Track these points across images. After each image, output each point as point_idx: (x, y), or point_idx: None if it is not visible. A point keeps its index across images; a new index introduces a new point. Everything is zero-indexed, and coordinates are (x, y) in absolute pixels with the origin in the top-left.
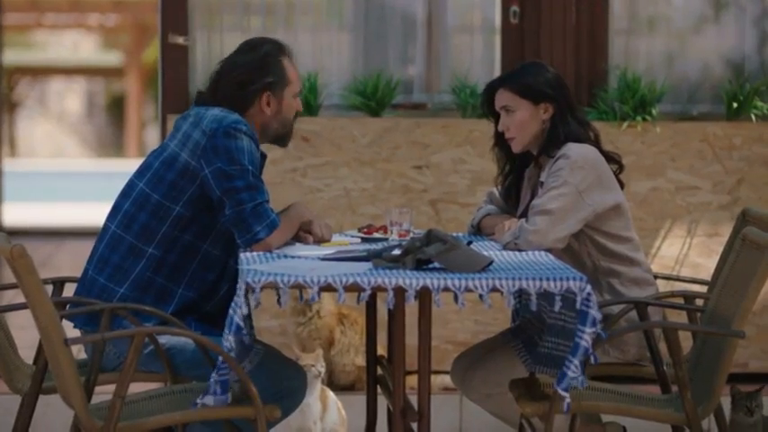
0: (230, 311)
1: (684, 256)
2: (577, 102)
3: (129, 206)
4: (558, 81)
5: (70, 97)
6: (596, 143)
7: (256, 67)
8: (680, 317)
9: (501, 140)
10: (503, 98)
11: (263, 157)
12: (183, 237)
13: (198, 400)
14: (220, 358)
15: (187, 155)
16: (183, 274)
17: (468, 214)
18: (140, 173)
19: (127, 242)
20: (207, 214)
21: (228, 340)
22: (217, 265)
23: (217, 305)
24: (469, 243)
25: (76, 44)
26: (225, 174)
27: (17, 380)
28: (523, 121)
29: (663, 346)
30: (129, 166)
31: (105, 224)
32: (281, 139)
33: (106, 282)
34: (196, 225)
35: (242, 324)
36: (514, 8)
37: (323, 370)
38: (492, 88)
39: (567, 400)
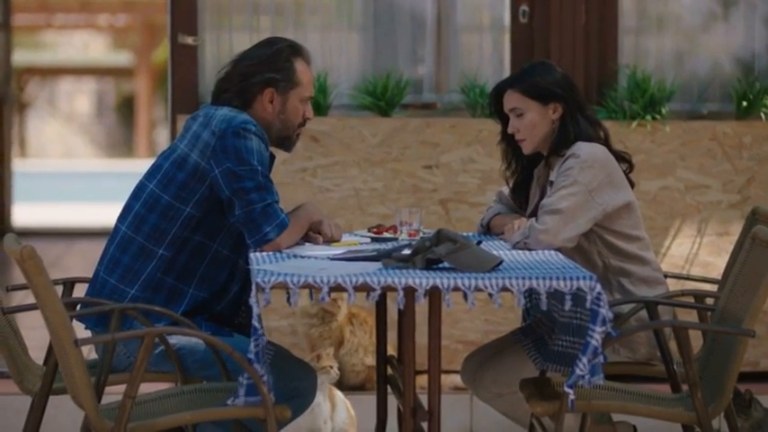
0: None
1: (694, 255)
2: (587, 101)
3: (140, 207)
4: (567, 80)
5: (80, 98)
6: (606, 142)
7: (263, 62)
8: (690, 316)
9: (509, 139)
10: (511, 100)
11: (272, 157)
12: (193, 237)
13: (229, 402)
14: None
15: (197, 155)
16: (194, 275)
17: (477, 214)
18: (150, 174)
19: (137, 243)
20: (217, 215)
21: (252, 342)
22: (227, 265)
23: (227, 305)
24: (479, 243)
25: (86, 44)
26: (234, 174)
27: (27, 380)
28: (533, 122)
29: (673, 345)
30: (139, 166)
31: (116, 225)
32: (284, 142)
33: (117, 283)
34: (206, 225)
35: (258, 325)
36: (524, 7)
37: (339, 372)
38: (500, 90)
39: (572, 397)
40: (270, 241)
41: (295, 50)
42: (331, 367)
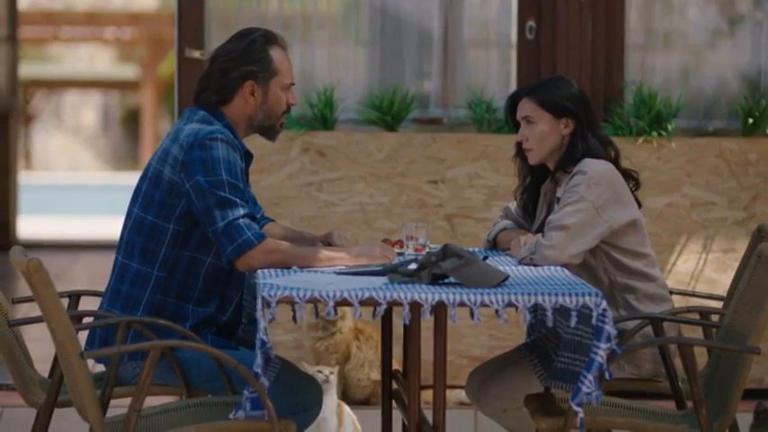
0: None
1: (700, 271)
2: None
3: (128, 233)
4: (582, 98)
5: (86, 110)
6: (615, 161)
7: (239, 56)
8: (695, 332)
9: (523, 155)
10: (525, 108)
11: (250, 156)
12: (183, 254)
13: (231, 416)
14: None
15: (169, 171)
16: (192, 292)
17: (483, 229)
18: (133, 199)
19: (132, 269)
20: (200, 227)
21: (258, 356)
22: (222, 276)
23: (232, 314)
24: (485, 258)
25: (92, 57)
26: (201, 189)
27: (32, 393)
28: (543, 133)
29: (678, 362)
30: None
31: (114, 258)
32: (268, 131)
33: (121, 312)
34: (194, 240)
35: (266, 338)
36: (530, 23)
37: (331, 376)
38: (516, 97)
39: (581, 415)
40: (233, 261)
41: (269, 39)
42: (318, 372)
